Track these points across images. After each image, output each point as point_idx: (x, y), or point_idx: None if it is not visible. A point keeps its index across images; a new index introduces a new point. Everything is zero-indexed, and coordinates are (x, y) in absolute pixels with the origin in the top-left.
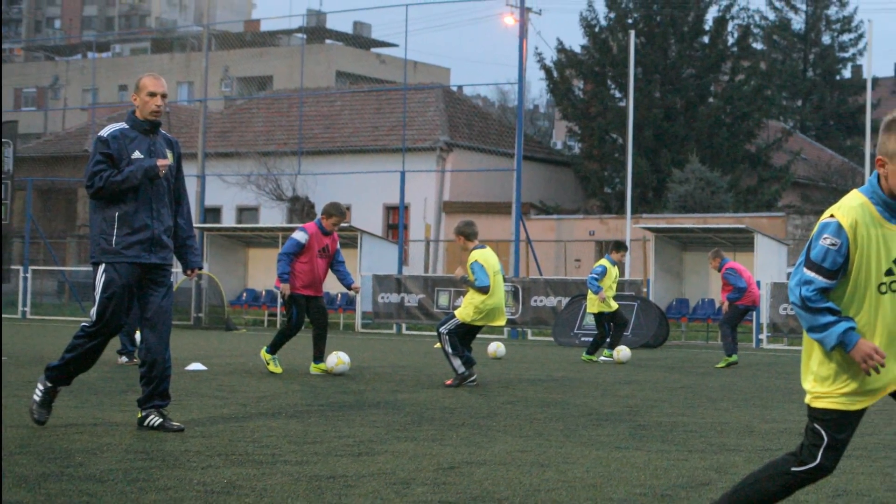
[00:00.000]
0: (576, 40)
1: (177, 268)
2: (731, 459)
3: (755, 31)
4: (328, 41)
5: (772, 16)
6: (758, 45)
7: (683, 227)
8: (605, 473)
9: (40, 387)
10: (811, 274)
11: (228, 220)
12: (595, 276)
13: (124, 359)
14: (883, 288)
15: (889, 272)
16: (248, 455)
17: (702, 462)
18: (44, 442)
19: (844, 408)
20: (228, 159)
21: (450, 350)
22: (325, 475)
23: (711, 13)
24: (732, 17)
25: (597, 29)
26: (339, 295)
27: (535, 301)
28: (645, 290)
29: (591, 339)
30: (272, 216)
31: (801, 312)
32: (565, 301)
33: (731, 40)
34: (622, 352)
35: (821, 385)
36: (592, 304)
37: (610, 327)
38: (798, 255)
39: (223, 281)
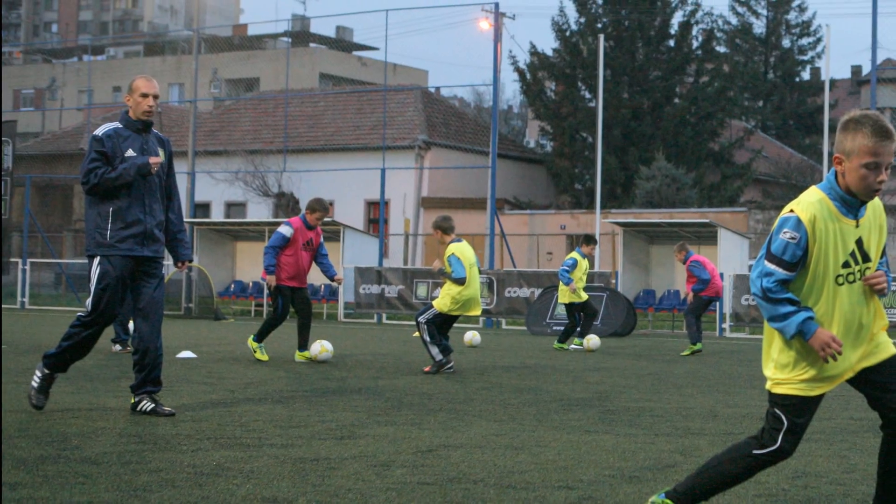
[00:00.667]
0: (548, 44)
1: (168, 260)
2: (695, 443)
3: (718, 35)
4: (312, 45)
5: (734, 20)
6: (721, 49)
7: (650, 221)
8: (576, 456)
9: (38, 374)
10: (772, 266)
11: (217, 214)
12: (566, 268)
13: (118, 347)
14: (840, 279)
15: (846, 264)
16: (235, 438)
17: (667, 445)
18: (41, 426)
19: (803, 393)
20: (217, 157)
21: (428, 339)
22: (309, 458)
23: (677, 18)
24: (697, 22)
25: (568, 33)
26: (323, 286)
27: (509, 292)
28: (613, 281)
29: (562, 328)
30: (259, 211)
31: (763, 303)
32: (538, 292)
33: (695, 44)
34: (592, 340)
35: (781, 372)
36: (563, 295)
37: (580, 317)
38: (759, 248)
39: (212, 273)
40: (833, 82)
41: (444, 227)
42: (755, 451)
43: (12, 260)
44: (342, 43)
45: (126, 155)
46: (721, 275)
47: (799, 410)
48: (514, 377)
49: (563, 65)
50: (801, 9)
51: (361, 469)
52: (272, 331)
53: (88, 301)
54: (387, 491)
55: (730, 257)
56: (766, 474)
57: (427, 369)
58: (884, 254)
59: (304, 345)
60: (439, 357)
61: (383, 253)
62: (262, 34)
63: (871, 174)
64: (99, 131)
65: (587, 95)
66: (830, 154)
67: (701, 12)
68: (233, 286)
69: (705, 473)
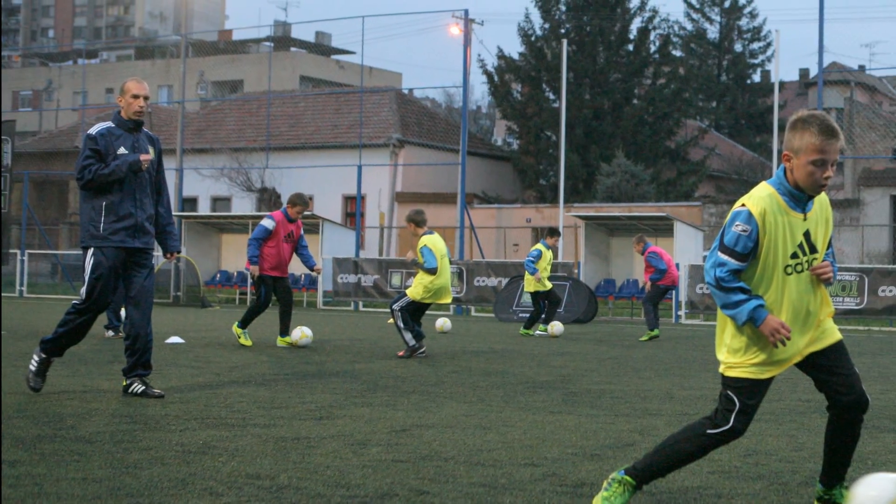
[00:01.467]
0: (514, 48)
1: (158, 251)
2: (652, 423)
3: (675, 40)
4: (293, 49)
5: (689, 26)
6: (677, 53)
7: (610, 215)
8: (541, 435)
9: (35, 358)
10: (724, 257)
11: (204, 208)
12: (531, 258)
13: (111, 333)
14: (788, 269)
15: (794, 255)
16: (221, 419)
17: (627, 425)
18: (38, 407)
19: (754, 376)
20: (204, 154)
21: (401, 325)
22: (290, 437)
23: (636, 24)
24: (654, 28)
25: (533, 38)
26: (303, 276)
27: (478, 281)
28: (576, 271)
29: (527, 315)
30: (243, 205)
31: (716, 291)
32: (505, 281)
33: (653, 48)
34: (556, 326)
35: (733, 356)
36: (529, 284)
37: (545, 305)
38: (713, 240)
39: (199, 263)
40: (782, 84)
41: (417, 221)
42: (709, 431)
43: (11, 251)
44: (321, 47)
45: (118, 152)
46: (677, 265)
47: (750, 392)
48: (482, 361)
49: (528, 68)
50: (752, 15)
51: (339, 447)
52: (255, 317)
53: (83, 290)
54: (363, 468)
55: (685, 249)
56: (720, 452)
57: (401, 354)
58: (830, 245)
59: (285, 331)
60: (412, 342)
61: (360, 244)
62: (245, 39)
63: (817, 170)
64: (93, 130)
65: (551, 96)
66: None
67: (658, 18)
68: (218, 276)
69: (662, 451)
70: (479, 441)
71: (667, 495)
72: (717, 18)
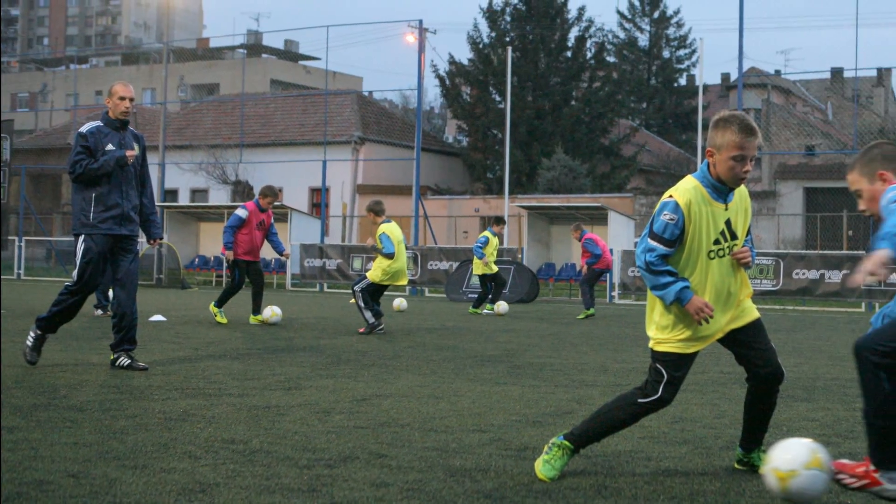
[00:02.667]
0: (464, 54)
1: (142, 238)
2: (589, 393)
3: (609, 47)
4: (264, 55)
5: (622, 35)
6: (611, 59)
7: (551, 205)
8: (488, 404)
9: (32, 334)
10: (654, 243)
11: (184, 199)
12: (479, 244)
13: (99, 311)
14: (711, 254)
15: (717, 242)
16: (199, 389)
17: (565, 395)
18: (34, 378)
19: (681, 351)
20: (183, 150)
21: (362, 304)
22: (261, 405)
23: (573, 33)
24: (590, 36)
25: (481, 46)
26: (273, 260)
27: (431, 265)
28: (520, 256)
29: (476, 295)
30: (219, 196)
31: (646, 274)
32: (455, 265)
33: (589, 55)
34: (501, 306)
35: (661, 333)
36: (477, 268)
37: (492, 286)
38: (643, 228)
39: (179, 249)
40: (705, 87)
41: (376, 210)
42: (640, 400)
43: (10, 238)
44: (290, 54)
45: (106, 149)
46: (611, 250)
47: (677, 365)
48: (435, 337)
49: (476, 72)
50: (679, 25)
51: (306, 415)
52: (230, 298)
53: (74, 273)
54: (327, 433)
55: (618, 235)
56: (649, 419)
57: (361, 331)
58: (749, 232)
59: (257, 310)
60: (372, 320)
61: (324, 232)
62: (221, 46)
63: (738, 165)
64: (83, 128)
65: (497, 98)
66: (703, 148)
67: (594, 28)
68: (197, 260)
69: (597, 418)
70: (432, 409)
71: (602, 458)
72: (647, 28)
